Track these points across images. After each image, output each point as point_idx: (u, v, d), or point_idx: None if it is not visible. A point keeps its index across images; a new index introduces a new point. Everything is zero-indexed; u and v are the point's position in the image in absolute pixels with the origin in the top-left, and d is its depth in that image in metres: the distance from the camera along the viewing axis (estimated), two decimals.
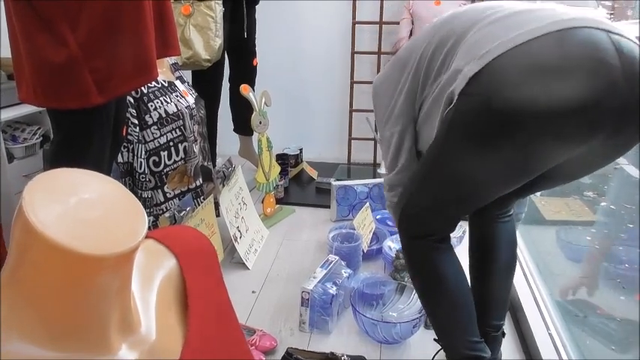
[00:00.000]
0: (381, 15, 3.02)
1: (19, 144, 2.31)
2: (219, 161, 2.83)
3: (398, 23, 2.93)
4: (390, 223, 2.44)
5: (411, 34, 2.89)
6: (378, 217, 2.45)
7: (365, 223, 2.26)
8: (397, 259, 2.01)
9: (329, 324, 1.75)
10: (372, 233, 2.27)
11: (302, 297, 1.75)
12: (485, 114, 1.04)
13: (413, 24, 2.88)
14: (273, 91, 3.00)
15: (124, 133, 1.80)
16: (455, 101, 1.10)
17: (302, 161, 3.14)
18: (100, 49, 1.28)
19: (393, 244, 2.15)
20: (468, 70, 1.07)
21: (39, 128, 2.38)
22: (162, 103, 2.01)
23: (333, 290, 1.76)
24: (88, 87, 1.29)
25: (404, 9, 2.89)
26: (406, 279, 1.91)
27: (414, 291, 1.70)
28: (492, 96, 1.02)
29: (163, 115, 2.01)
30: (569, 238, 2.31)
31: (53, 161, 1.46)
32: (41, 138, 2.40)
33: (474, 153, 1.11)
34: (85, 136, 1.43)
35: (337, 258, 1.91)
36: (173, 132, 2.05)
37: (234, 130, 3.03)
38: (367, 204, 2.36)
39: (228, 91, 2.87)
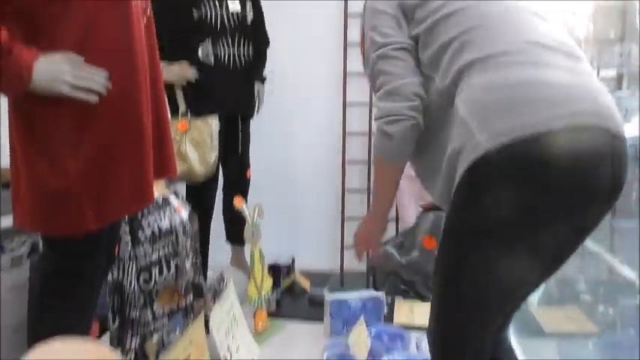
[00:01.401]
0: (369, 126, 3.11)
1: (5, 254, 2.26)
2: (211, 274, 2.79)
3: None
4: (386, 338, 2.36)
5: None
6: (373, 332, 2.37)
7: (360, 340, 2.18)
8: None
9: None
10: (367, 351, 2.18)
11: None
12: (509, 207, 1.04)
13: None
14: (265, 200, 3.02)
15: (117, 252, 1.77)
16: (470, 190, 1.08)
17: (294, 271, 3.08)
18: (99, 177, 1.29)
19: None
20: (482, 146, 1.04)
21: (27, 238, 2.34)
22: (155, 220, 1.99)
23: None
24: (84, 214, 1.28)
25: None
26: None
27: None
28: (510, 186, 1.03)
29: (156, 231, 1.99)
30: (570, 352, 2.25)
31: (45, 282, 1.42)
32: (29, 248, 2.35)
33: (507, 249, 1.07)
34: (78, 259, 1.40)
35: None
36: (165, 248, 2.02)
37: (227, 239, 3.00)
38: (362, 319, 2.29)
39: (222, 201, 2.87)
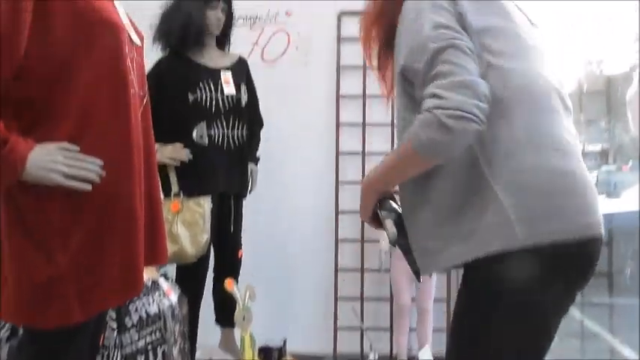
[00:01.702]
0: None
1: None
2: (199, 354, 2.69)
3: None
4: None
5: None
6: None
7: None
8: None
9: None
10: None
11: None
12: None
13: None
14: (255, 279, 2.97)
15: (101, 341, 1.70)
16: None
17: (285, 354, 2.98)
18: (87, 268, 1.25)
19: None
20: (519, 239, 1.05)
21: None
22: (143, 305, 1.94)
23: None
24: (70, 305, 1.23)
25: None
26: None
27: None
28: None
29: (144, 316, 1.93)
30: None
31: None
32: (8, 332, 2.26)
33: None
34: (59, 350, 1.34)
35: None
36: (153, 334, 1.96)
37: (216, 320, 2.91)
38: None
39: (212, 281, 2.81)
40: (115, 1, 1.40)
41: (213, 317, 2.90)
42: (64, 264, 1.22)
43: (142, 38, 1.48)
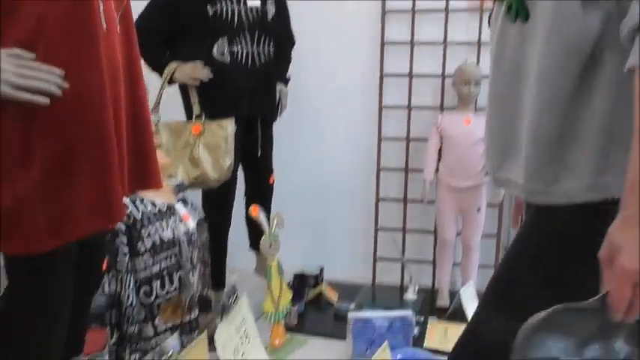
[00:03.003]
0: (408, 130, 2.88)
1: None
2: (234, 278, 2.65)
3: (426, 140, 2.78)
4: None
5: (440, 154, 2.73)
6: (398, 357, 2.16)
7: None
8: None
9: None
10: None
11: None
12: None
13: (442, 141, 2.71)
14: (293, 206, 2.86)
15: (105, 269, 1.65)
16: None
17: (322, 282, 2.90)
18: (52, 190, 1.15)
19: None
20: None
21: None
22: (157, 230, 1.87)
23: None
24: (38, 233, 1.15)
25: (433, 125, 2.74)
26: None
27: None
28: None
29: (157, 242, 1.86)
30: None
31: (4, 310, 1.31)
32: None
33: None
34: (40, 284, 1.27)
35: None
36: (168, 260, 1.90)
37: (250, 246, 2.86)
38: (386, 343, 2.08)
39: (244, 207, 2.73)
40: None
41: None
42: (28, 188, 1.12)
43: None
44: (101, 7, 1.17)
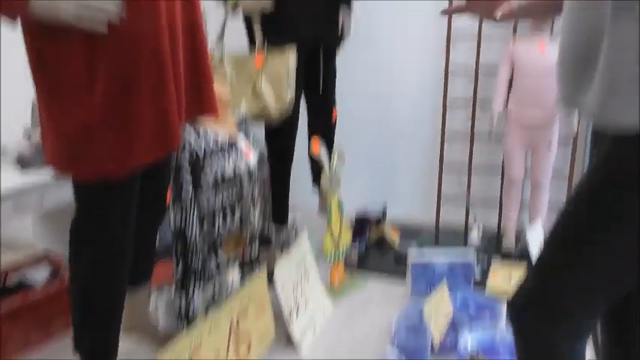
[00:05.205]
0: (477, 60, 2.70)
1: None
2: (297, 216, 2.65)
3: (494, 73, 2.60)
4: (472, 307, 2.09)
5: (510, 84, 2.55)
6: (458, 299, 2.11)
7: (440, 309, 1.94)
8: None
9: None
10: (448, 322, 1.94)
11: None
12: None
13: (514, 71, 2.53)
14: (356, 142, 2.78)
15: (169, 201, 1.66)
16: None
17: (384, 222, 2.86)
18: (116, 117, 1.15)
19: (470, 340, 1.81)
20: None
21: None
22: (219, 165, 1.86)
23: None
24: (102, 158, 1.16)
25: (504, 54, 2.55)
26: None
27: None
28: None
29: (219, 177, 1.85)
30: None
31: (74, 237, 1.35)
32: None
33: None
34: (104, 211, 1.30)
35: None
36: (230, 195, 1.89)
37: (313, 182, 2.83)
38: (444, 284, 2.04)
39: (307, 142, 2.68)
40: None
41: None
42: (90, 116, 1.13)
43: None
44: None
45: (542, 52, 2.43)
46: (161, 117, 1.20)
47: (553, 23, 2.48)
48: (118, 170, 1.19)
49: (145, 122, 1.18)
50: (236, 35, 2.34)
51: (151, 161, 1.23)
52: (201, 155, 1.82)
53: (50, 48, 1.12)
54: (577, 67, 0.98)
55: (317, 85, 2.41)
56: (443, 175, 2.89)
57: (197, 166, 1.82)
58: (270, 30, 2.18)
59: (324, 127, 2.55)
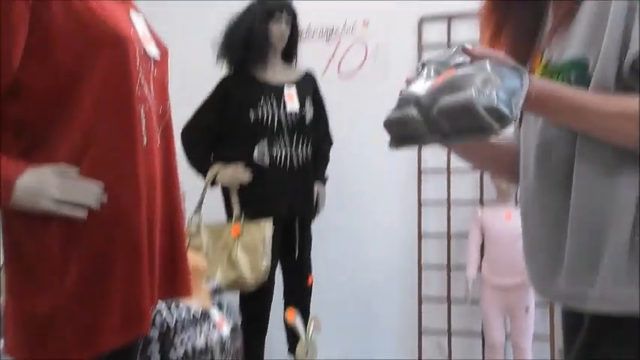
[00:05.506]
0: (448, 226, 2.81)
1: None
2: None
3: (466, 237, 2.69)
4: None
5: (482, 250, 2.63)
6: None
7: None
8: None
9: None
10: None
11: None
12: None
13: (484, 238, 2.62)
14: (332, 307, 2.75)
15: None
16: None
17: None
18: (86, 302, 1.15)
19: None
20: None
21: None
22: (190, 337, 1.82)
23: None
24: (67, 344, 1.13)
25: (473, 221, 2.66)
26: None
27: None
28: None
29: (190, 351, 1.80)
30: None
31: None
32: None
33: None
34: None
35: None
36: None
37: (289, 351, 2.75)
38: None
39: (283, 309, 2.66)
40: (133, 11, 1.30)
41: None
42: (60, 300, 1.12)
43: (164, 51, 1.37)
44: (143, 124, 1.21)
45: (508, 219, 2.54)
46: (132, 302, 1.19)
47: (516, 194, 2.63)
48: (82, 356, 1.16)
49: (115, 307, 1.16)
50: (214, 204, 2.44)
51: (119, 346, 1.20)
52: (172, 327, 1.78)
53: (26, 229, 1.14)
54: (542, 252, 0.99)
55: (293, 251, 2.46)
56: (422, 339, 2.84)
57: (167, 340, 1.77)
58: (248, 203, 2.29)
59: (300, 293, 2.55)
